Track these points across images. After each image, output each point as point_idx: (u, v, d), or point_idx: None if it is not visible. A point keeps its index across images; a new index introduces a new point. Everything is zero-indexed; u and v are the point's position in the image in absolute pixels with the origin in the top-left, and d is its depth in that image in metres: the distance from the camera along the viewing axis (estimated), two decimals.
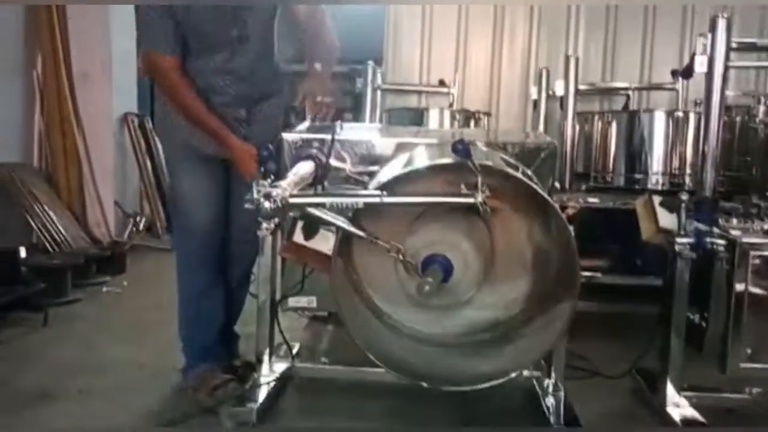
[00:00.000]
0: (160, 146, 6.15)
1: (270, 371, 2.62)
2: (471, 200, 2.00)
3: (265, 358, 2.58)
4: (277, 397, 2.62)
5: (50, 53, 5.35)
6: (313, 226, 2.31)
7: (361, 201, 2.08)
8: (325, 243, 2.28)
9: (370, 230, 2.12)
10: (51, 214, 4.97)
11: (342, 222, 2.12)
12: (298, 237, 2.40)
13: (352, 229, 2.12)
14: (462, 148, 1.98)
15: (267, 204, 1.98)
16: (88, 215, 5.43)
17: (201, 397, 2.60)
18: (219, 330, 2.82)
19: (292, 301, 2.60)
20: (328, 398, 2.69)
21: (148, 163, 6.06)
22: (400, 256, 2.11)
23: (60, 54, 5.37)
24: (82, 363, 3.02)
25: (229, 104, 2.70)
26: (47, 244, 4.80)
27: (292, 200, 2.03)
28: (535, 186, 2.09)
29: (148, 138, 6.08)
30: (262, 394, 2.53)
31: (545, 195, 2.09)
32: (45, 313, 3.59)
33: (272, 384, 2.60)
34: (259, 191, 2.02)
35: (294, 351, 2.84)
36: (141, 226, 5.81)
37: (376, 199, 2.07)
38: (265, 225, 2.45)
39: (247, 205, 2.06)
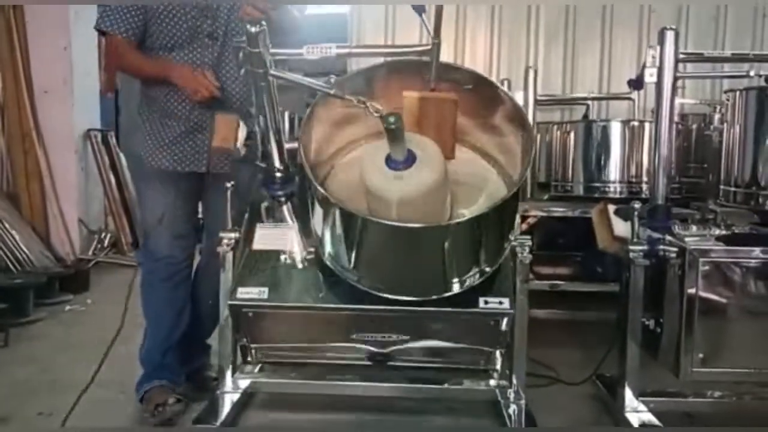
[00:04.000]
0: (124, 162, 6.14)
1: (234, 387, 2.61)
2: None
3: (228, 373, 2.56)
4: (241, 413, 2.61)
5: (10, 69, 5.29)
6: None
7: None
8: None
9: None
10: (13, 232, 4.90)
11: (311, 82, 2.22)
12: (258, 244, 2.48)
13: (323, 88, 2.21)
14: None
15: None
16: (52, 233, 5.37)
17: (146, 415, 2.64)
18: (174, 347, 2.79)
19: (242, 292, 2.41)
20: (293, 413, 2.69)
21: (113, 179, 5.99)
22: (366, 105, 2.10)
23: (20, 70, 5.31)
24: (43, 384, 2.98)
25: (192, 107, 2.67)
26: (9, 263, 4.73)
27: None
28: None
29: (111, 154, 6.02)
30: (225, 410, 2.52)
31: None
32: (5, 333, 3.54)
33: (235, 400, 2.59)
34: None
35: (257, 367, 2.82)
36: (106, 243, 5.74)
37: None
38: (225, 240, 2.47)
39: None
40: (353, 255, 2.25)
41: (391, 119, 1.98)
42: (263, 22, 2.13)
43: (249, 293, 2.41)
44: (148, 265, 2.86)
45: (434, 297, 2.30)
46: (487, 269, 2.32)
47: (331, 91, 2.22)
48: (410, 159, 2.09)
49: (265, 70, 2.17)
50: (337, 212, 2.15)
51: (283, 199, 2.44)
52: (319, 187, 2.13)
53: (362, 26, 4.95)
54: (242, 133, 2.39)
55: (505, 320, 2.36)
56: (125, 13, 2.64)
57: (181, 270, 2.80)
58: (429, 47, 2.25)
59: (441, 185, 2.12)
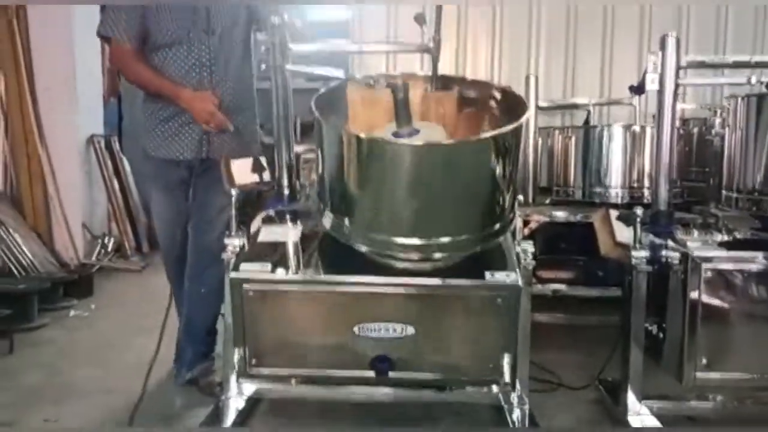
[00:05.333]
0: (127, 167, 6.16)
1: (238, 392, 2.62)
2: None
3: (233, 379, 2.56)
4: (246, 420, 2.63)
5: (13, 73, 5.31)
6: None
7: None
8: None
9: None
10: (17, 237, 4.92)
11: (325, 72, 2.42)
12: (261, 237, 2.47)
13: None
14: None
15: None
16: (55, 238, 5.38)
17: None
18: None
19: (244, 267, 2.31)
20: (298, 420, 2.70)
21: (116, 184, 6.01)
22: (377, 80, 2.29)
23: (23, 74, 5.32)
24: (48, 390, 2.99)
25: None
26: (13, 268, 4.75)
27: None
28: None
29: (115, 159, 6.04)
30: (230, 417, 2.53)
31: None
32: (10, 339, 3.54)
33: (240, 407, 2.60)
34: None
35: None
36: (109, 248, 5.76)
37: None
38: (230, 248, 2.48)
39: None
40: (379, 193, 2.21)
41: (399, 86, 2.19)
42: (283, 17, 2.36)
43: (252, 269, 2.32)
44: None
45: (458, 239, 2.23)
46: (507, 210, 2.31)
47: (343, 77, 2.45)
48: (414, 132, 2.22)
49: (285, 63, 2.33)
50: (367, 145, 2.15)
51: (288, 216, 2.49)
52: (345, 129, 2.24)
53: (364, 26, 4.96)
54: (249, 169, 2.49)
55: (511, 299, 2.28)
56: (124, 17, 2.77)
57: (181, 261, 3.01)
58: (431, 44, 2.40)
59: None
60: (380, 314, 2.32)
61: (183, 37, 2.83)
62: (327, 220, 2.34)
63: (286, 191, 2.50)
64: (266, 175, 2.54)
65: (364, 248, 2.27)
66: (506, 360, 2.33)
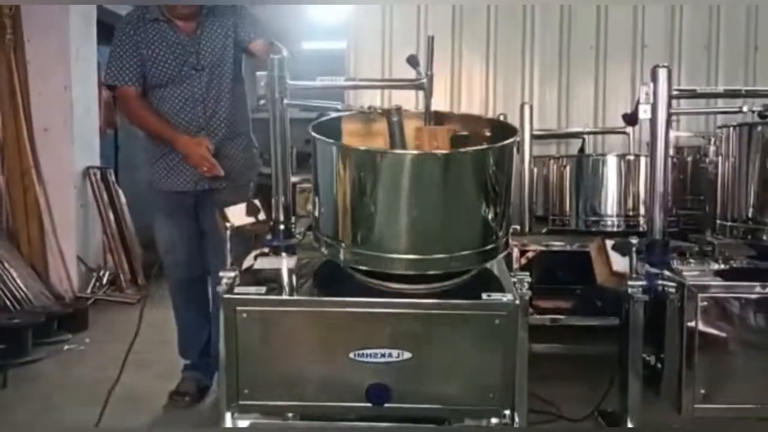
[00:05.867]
0: (123, 199, 6.16)
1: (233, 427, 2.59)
2: None
3: (227, 415, 2.53)
4: None
5: (10, 108, 5.33)
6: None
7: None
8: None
9: None
10: (11, 271, 4.90)
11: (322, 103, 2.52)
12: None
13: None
14: None
15: None
16: (50, 271, 5.36)
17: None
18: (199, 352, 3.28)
19: (238, 290, 2.27)
20: None
21: (111, 216, 6.00)
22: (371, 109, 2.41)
23: (20, 108, 5.35)
24: (41, 425, 2.96)
25: (185, 130, 3.07)
26: (8, 302, 4.72)
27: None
28: None
29: (111, 191, 6.04)
30: None
31: None
32: (4, 373, 3.52)
33: None
34: None
35: None
36: (104, 280, 5.73)
37: None
38: (225, 280, 2.47)
39: None
40: (373, 207, 2.21)
41: (393, 111, 2.31)
42: (285, 54, 2.46)
43: (246, 291, 2.28)
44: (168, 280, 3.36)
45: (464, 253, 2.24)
46: (500, 231, 2.31)
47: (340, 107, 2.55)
48: None
49: (284, 96, 2.40)
50: (362, 157, 2.19)
51: (283, 249, 2.49)
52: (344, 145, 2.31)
53: (359, 61, 5.00)
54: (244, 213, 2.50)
55: (509, 320, 2.24)
56: (125, 64, 3.04)
57: (188, 286, 3.25)
58: (424, 80, 2.42)
59: None
60: (376, 339, 2.27)
61: (176, 76, 3.06)
62: (322, 243, 2.35)
63: (282, 227, 2.50)
64: (261, 215, 2.55)
65: (360, 266, 2.27)
66: (505, 384, 2.27)
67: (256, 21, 3.15)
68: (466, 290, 2.30)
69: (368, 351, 2.27)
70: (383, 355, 2.27)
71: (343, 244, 2.27)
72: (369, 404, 2.28)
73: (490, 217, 2.26)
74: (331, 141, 2.27)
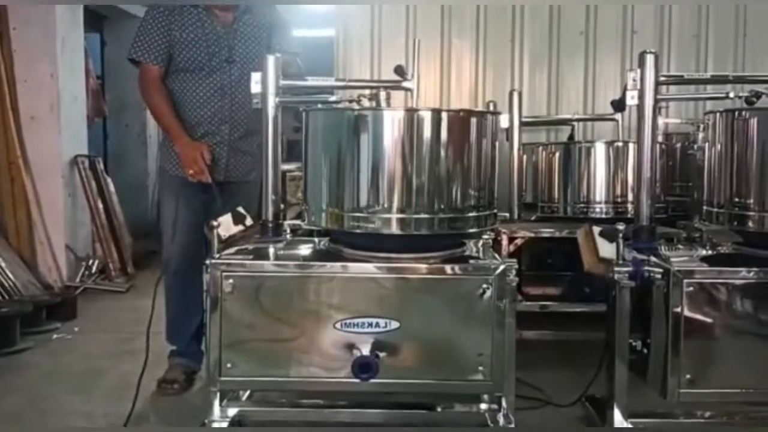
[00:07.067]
0: (112, 187, 6.13)
1: (222, 415, 2.59)
2: None
3: (216, 402, 2.53)
4: None
5: None
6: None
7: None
8: None
9: None
10: (0, 260, 4.87)
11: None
12: None
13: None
14: None
15: None
16: (39, 260, 5.33)
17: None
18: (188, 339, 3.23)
19: (225, 255, 2.33)
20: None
21: (100, 205, 5.97)
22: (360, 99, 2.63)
23: (6, 97, 5.30)
24: (29, 414, 2.95)
25: (210, 120, 3.12)
26: None
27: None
28: None
29: (99, 179, 6.00)
30: None
31: None
32: None
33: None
34: None
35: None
36: (93, 269, 5.71)
37: None
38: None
39: None
40: (360, 168, 2.31)
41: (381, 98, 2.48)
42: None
43: (232, 257, 2.34)
44: (165, 262, 3.29)
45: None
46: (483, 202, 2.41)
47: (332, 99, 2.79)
48: None
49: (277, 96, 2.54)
50: (352, 118, 2.33)
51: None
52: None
53: (348, 48, 4.97)
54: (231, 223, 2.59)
55: (495, 286, 2.26)
56: (152, 42, 3.05)
57: (188, 271, 3.10)
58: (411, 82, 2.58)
59: None
60: (363, 307, 2.26)
61: (205, 64, 3.08)
62: (308, 215, 2.46)
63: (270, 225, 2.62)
64: (248, 221, 2.66)
65: (348, 230, 2.34)
66: (491, 353, 2.28)
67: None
68: (452, 260, 2.36)
69: (355, 320, 2.24)
70: (370, 325, 2.25)
71: (328, 209, 2.36)
72: (356, 380, 2.21)
73: (471, 185, 2.36)
74: (319, 107, 2.41)
